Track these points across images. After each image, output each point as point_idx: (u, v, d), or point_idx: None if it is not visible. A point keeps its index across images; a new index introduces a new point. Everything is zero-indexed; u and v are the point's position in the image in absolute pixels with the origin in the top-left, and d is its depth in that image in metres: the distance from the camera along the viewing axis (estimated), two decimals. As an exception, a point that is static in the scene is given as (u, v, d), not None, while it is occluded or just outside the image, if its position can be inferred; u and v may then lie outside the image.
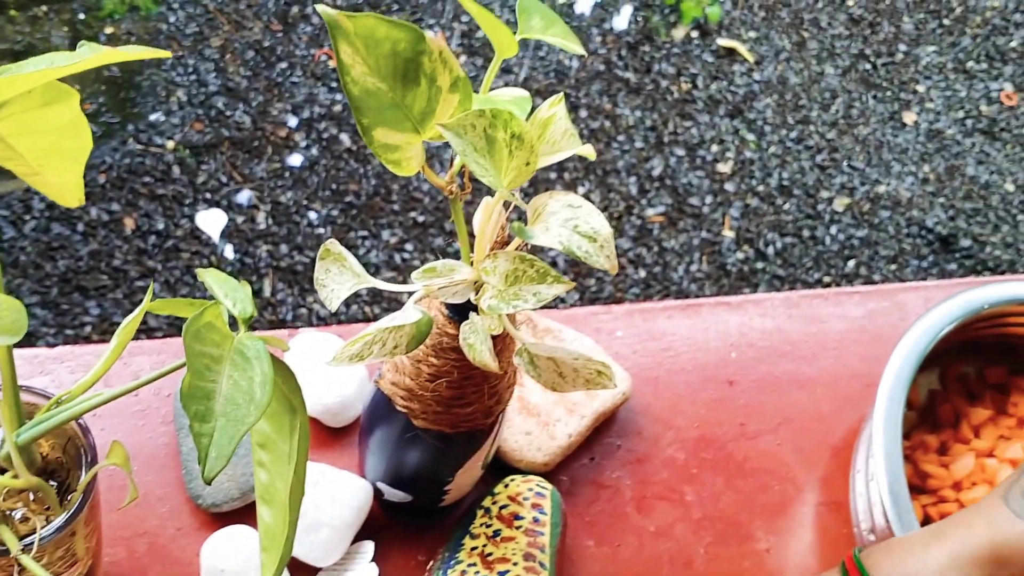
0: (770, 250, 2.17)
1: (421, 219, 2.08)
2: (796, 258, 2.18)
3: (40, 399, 0.57)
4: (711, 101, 2.36)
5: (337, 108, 2.15)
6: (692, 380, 0.89)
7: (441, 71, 0.53)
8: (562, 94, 0.62)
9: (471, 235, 0.62)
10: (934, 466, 0.85)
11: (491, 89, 0.61)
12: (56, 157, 0.62)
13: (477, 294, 0.60)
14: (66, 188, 0.64)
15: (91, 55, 0.56)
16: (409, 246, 2.05)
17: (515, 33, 0.60)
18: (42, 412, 0.55)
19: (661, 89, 2.35)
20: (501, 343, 0.64)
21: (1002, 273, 2.21)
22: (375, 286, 0.62)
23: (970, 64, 2.56)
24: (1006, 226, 2.29)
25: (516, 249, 0.59)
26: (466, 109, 0.54)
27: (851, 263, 2.19)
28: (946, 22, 2.62)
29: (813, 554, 0.83)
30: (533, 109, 0.61)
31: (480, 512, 0.77)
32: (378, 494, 0.78)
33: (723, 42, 2.46)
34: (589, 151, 0.60)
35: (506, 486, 0.79)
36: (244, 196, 2.02)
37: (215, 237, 1.96)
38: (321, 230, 2.03)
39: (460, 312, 0.63)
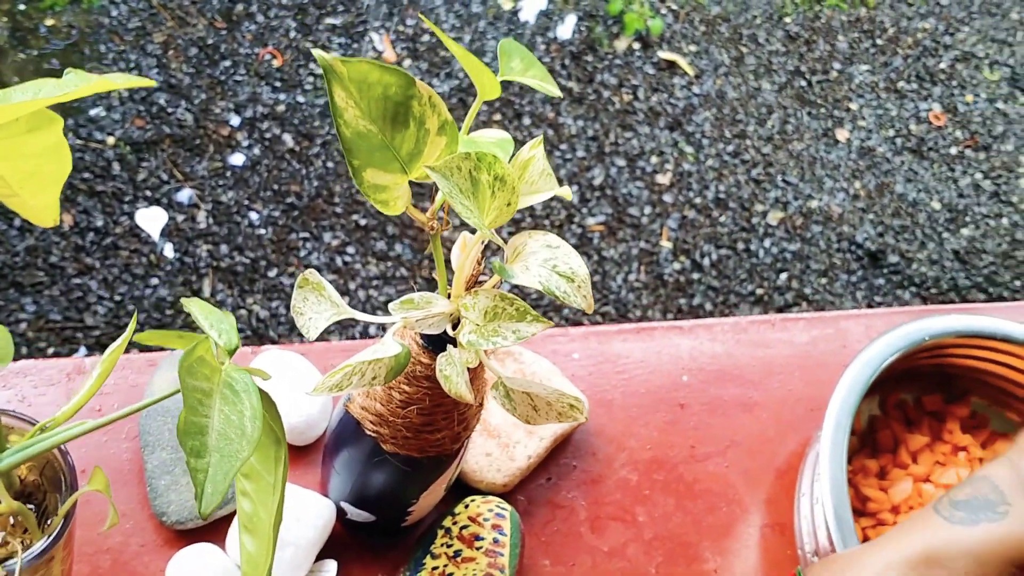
0: (706, 261, 2.22)
1: (363, 222, 2.09)
2: (731, 270, 2.23)
3: (22, 424, 0.57)
4: (651, 113, 2.40)
5: (280, 108, 2.15)
6: (645, 403, 0.92)
7: (430, 114, 0.55)
8: (541, 136, 0.63)
9: (448, 268, 0.64)
10: (874, 490, 0.88)
11: (469, 130, 0.63)
12: (36, 180, 0.62)
13: (453, 326, 0.62)
14: (42, 209, 0.64)
15: (80, 85, 0.57)
16: (351, 249, 2.05)
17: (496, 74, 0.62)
18: (28, 438, 0.55)
19: (603, 99, 2.39)
20: (473, 373, 0.66)
21: (927, 290, 2.28)
22: (354, 317, 0.64)
23: (901, 84, 2.63)
24: (932, 243, 2.37)
25: (494, 286, 0.61)
26: (452, 151, 0.56)
27: (783, 276, 2.25)
28: (879, 42, 2.70)
29: (758, 575, 0.86)
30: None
31: (441, 532, 0.79)
32: (341, 513, 0.79)
33: (664, 55, 2.50)
34: (566, 192, 0.62)
35: (466, 506, 0.80)
36: (185, 194, 2.00)
37: (155, 235, 1.94)
38: (262, 231, 2.02)
39: (434, 342, 0.65)
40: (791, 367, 0.96)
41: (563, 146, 2.28)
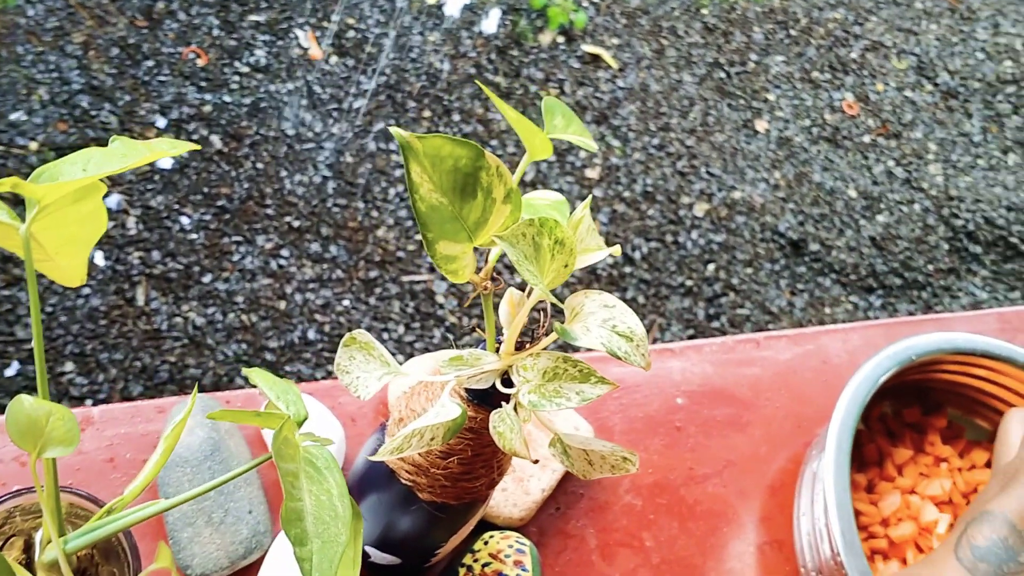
0: (637, 255, 2.25)
1: (296, 224, 2.06)
2: (661, 262, 2.27)
3: (87, 503, 0.56)
4: (578, 107, 2.42)
5: (207, 109, 2.10)
6: (643, 427, 0.94)
7: (497, 184, 0.55)
8: (590, 197, 0.64)
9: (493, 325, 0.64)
10: (864, 504, 0.92)
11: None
12: (73, 245, 0.61)
13: (502, 381, 0.63)
14: (72, 270, 0.63)
15: (129, 158, 0.56)
16: (285, 252, 2.03)
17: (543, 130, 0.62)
18: (94, 520, 0.54)
19: (530, 94, 2.39)
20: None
21: (847, 276, 2.36)
22: (408, 375, 0.63)
23: (815, 74, 2.71)
24: (849, 231, 2.45)
25: (546, 347, 0.61)
26: (516, 218, 0.57)
27: (711, 267, 2.30)
28: (792, 32, 2.76)
29: (761, 591, 0.89)
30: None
31: (463, 570, 0.80)
32: (364, 556, 0.79)
33: (588, 48, 2.52)
34: (616, 250, 0.63)
35: (486, 543, 0.81)
36: (113, 200, 1.95)
37: (84, 244, 1.88)
38: (194, 235, 1.98)
39: (479, 395, 0.65)
40: (777, 385, 0.99)
41: (493, 142, 2.28)
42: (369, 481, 0.74)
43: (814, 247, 2.39)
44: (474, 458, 0.68)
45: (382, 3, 2.40)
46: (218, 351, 1.87)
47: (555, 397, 0.58)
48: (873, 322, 1.04)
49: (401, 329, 1.99)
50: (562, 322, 0.59)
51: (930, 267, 2.43)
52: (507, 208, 0.56)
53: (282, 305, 1.96)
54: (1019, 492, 0.64)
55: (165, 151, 0.58)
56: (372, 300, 2.01)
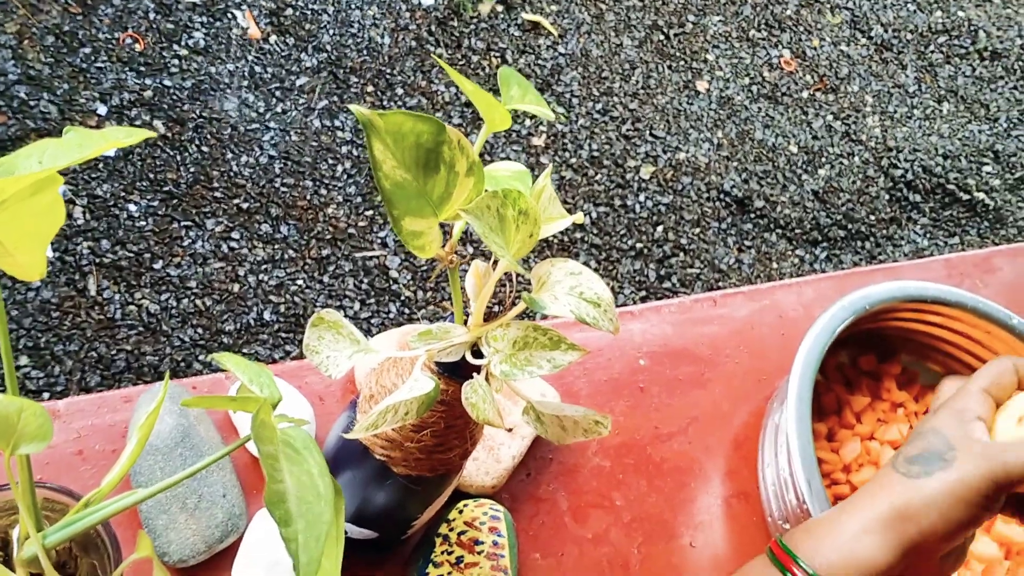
0: (586, 220, 2.27)
1: (245, 205, 2.04)
2: (610, 226, 2.28)
3: (63, 498, 0.56)
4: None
5: (148, 94, 2.07)
6: (608, 389, 0.95)
7: (459, 157, 0.56)
8: (551, 166, 0.65)
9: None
10: (826, 452, 0.94)
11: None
12: (31, 239, 0.60)
13: (472, 352, 0.64)
14: (31, 265, 0.63)
15: (85, 148, 0.56)
16: (236, 234, 2.01)
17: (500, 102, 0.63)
18: (72, 513, 0.54)
19: (473, 64, 2.39)
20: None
21: (792, 231, 2.39)
22: (378, 353, 0.64)
23: (752, 32, 2.73)
24: (792, 186, 2.48)
25: (517, 317, 0.62)
26: (479, 191, 0.57)
27: (660, 228, 2.32)
28: (728, -8, 2.78)
29: (731, 543, 0.91)
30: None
31: (439, 540, 0.81)
32: (340, 533, 0.79)
33: (527, 16, 2.52)
34: (579, 218, 0.64)
35: (460, 512, 0.82)
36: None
37: (29, 237, 1.86)
38: (143, 222, 1.96)
39: (450, 368, 0.66)
40: (735, 342, 1.01)
41: (438, 114, 2.28)
42: (343, 458, 0.74)
43: (759, 204, 2.42)
44: (447, 430, 0.69)
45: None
46: (174, 337, 1.86)
47: (527, 366, 0.59)
48: (825, 275, 1.06)
49: (357, 306, 1.99)
50: (529, 292, 0.60)
51: (872, 217, 2.48)
52: (470, 181, 0.57)
53: (236, 288, 1.95)
54: (946, 413, 0.67)
55: (121, 140, 0.58)
56: (326, 278, 2.00)
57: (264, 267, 1.99)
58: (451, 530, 0.81)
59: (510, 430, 0.70)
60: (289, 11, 2.29)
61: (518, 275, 0.59)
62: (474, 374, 0.63)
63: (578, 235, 2.24)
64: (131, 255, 1.91)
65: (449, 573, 0.78)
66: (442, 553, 0.80)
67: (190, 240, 1.97)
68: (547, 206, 0.64)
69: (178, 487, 0.76)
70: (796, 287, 1.06)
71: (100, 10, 2.11)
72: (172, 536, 0.75)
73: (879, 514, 0.63)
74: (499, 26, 2.47)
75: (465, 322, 0.65)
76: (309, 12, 2.32)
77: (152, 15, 2.16)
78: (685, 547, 0.89)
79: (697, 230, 2.35)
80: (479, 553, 0.79)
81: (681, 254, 2.30)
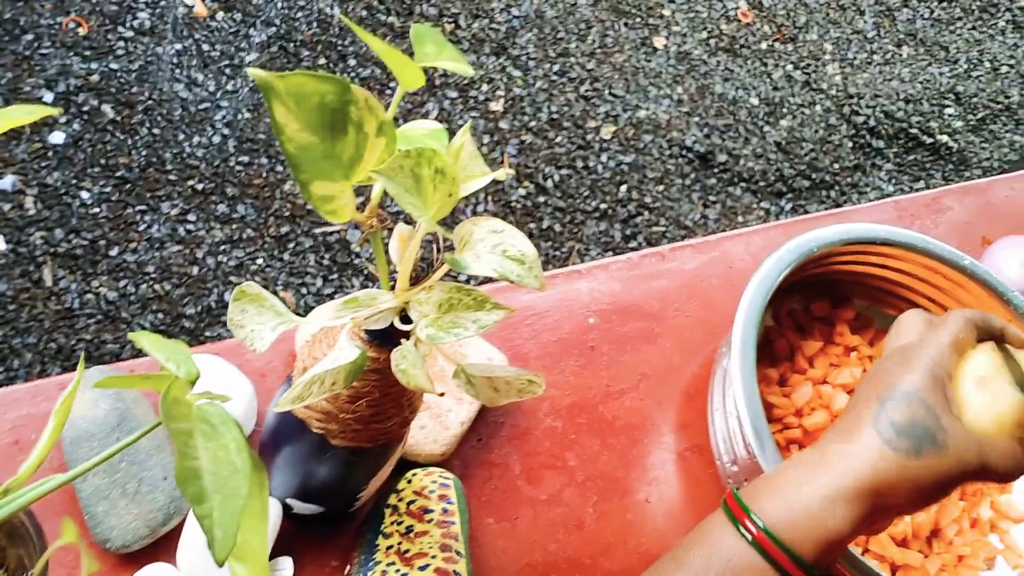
0: (549, 183, 2.25)
1: (200, 187, 2.02)
2: (574, 188, 2.27)
3: (-21, 489, 0.55)
4: (475, 40, 2.39)
5: (94, 78, 2.04)
6: (558, 350, 0.94)
7: (368, 117, 0.54)
8: (469, 123, 0.63)
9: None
10: (777, 397, 0.94)
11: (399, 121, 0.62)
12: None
13: (400, 319, 0.62)
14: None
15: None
16: (192, 216, 1.99)
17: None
18: (-12, 504, 0.53)
19: (425, 32, 2.36)
20: (420, 359, 0.66)
21: (756, 183, 2.39)
22: (299, 323, 0.63)
23: (708, -14, 2.70)
24: (755, 138, 2.47)
25: (442, 278, 0.61)
26: (392, 151, 0.56)
27: (623, 188, 2.30)
28: (682, -54, 2.76)
29: (686, 496, 0.90)
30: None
31: (388, 511, 0.80)
32: (286, 509, 0.78)
33: (479, -21, 2.48)
34: (502, 175, 0.62)
35: (409, 481, 0.81)
36: (7, 182, 1.89)
37: (-19, 229, 1.83)
38: (96, 209, 1.93)
39: (381, 336, 0.65)
40: (685, 295, 1.00)
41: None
42: (282, 434, 0.73)
43: (722, 158, 2.41)
44: (383, 399, 0.68)
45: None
46: (134, 324, 1.84)
47: (453, 328, 0.58)
48: (773, 223, 1.06)
49: (319, 282, 1.97)
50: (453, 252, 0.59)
51: (836, 166, 2.47)
52: (381, 141, 0.55)
53: (195, 270, 1.92)
54: (924, 372, 0.65)
55: (21, 118, 0.56)
56: (286, 256, 1.98)
57: (223, 248, 1.97)
58: (400, 500, 0.80)
59: (442, 394, 0.69)
60: (235, -14, 2.26)
61: (446, 237, 0.57)
62: (403, 340, 0.61)
63: (541, 199, 2.22)
64: (86, 243, 1.89)
65: (399, 543, 0.77)
66: (392, 524, 0.79)
67: (145, 225, 1.94)
68: (468, 164, 0.62)
69: (116, 473, 0.75)
70: (745, 237, 1.05)
71: (40, -5, 2.08)
72: (113, 522, 0.74)
73: (859, 485, 0.61)
74: (451, -9, 2.44)
75: (392, 288, 0.63)
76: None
77: (94, -3, 2.12)
78: (640, 503, 0.89)
79: (661, 187, 2.34)
80: (429, 521, 0.78)
81: (646, 213, 2.29)
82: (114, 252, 1.90)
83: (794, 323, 0.99)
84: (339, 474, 0.73)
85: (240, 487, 0.48)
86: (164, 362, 0.55)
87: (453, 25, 2.39)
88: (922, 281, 0.95)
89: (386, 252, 0.64)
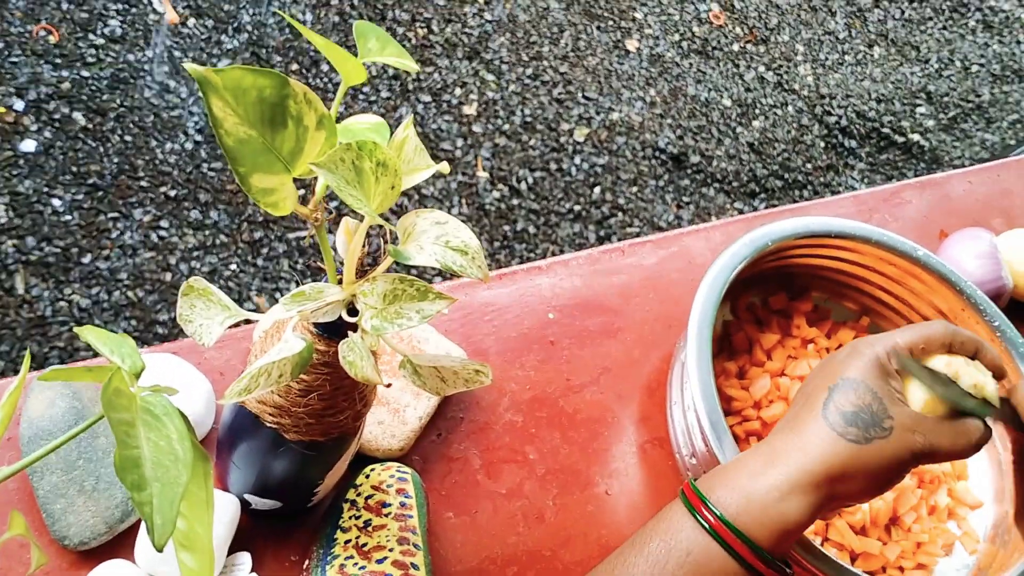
0: (523, 186, 2.26)
1: (173, 193, 2.02)
2: (548, 191, 2.28)
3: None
4: (448, 44, 2.40)
5: (65, 86, 2.04)
6: (518, 345, 0.95)
7: (307, 111, 0.55)
8: (411, 116, 0.64)
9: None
10: (736, 390, 0.95)
11: (338, 116, 0.63)
12: None
13: (348, 311, 0.63)
14: None
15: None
16: (164, 223, 1.99)
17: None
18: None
19: (398, 36, 2.37)
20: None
21: (729, 184, 2.40)
22: (249, 317, 0.63)
23: (679, -12, 2.72)
24: (728, 139, 2.48)
25: (386, 269, 0.62)
26: (332, 144, 0.56)
27: (597, 190, 2.31)
28: (653, -51, 2.77)
29: (646, 488, 0.91)
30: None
31: (347, 505, 0.80)
32: (245, 505, 0.79)
33: (451, -16, 2.49)
34: (444, 168, 0.63)
35: (367, 476, 0.82)
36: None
37: (-48, 238, 1.83)
38: (68, 216, 1.93)
39: (329, 329, 0.65)
40: (645, 289, 1.01)
41: (366, 88, 2.26)
42: (237, 430, 0.74)
43: (695, 159, 2.42)
44: (334, 392, 0.68)
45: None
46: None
47: (397, 318, 0.58)
48: (733, 219, 1.07)
49: (293, 287, 1.98)
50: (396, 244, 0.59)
51: (809, 166, 2.49)
52: (321, 135, 0.56)
53: (168, 277, 1.92)
54: (870, 361, 0.67)
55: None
56: (260, 261, 1.99)
57: (196, 254, 1.97)
58: (359, 495, 0.81)
59: (389, 385, 0.69)
60: (207, -6, 2.26)
61: (391, 229, 0.58)
62: (350, 332, 0.62)
63: (515, 202, 2.23)
64: (58, 250, 1.89)
65: (357, 537, 0.78)
66: (350, 518, 0.79)
67: (118, 232, 1.94)
68: (412, 157, 0.63)
69: (74, 470, 0.75)
70: (705, 232, 1.06)
71: (10, 3, 2.07)
72: (71, 519, 0.74)
73: (812, 474, 0.62)
74: (423, -4, 2.45)
75: (340, 282, 0.64)
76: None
77: (65, 5, 2.12)
78: (600, 495, 0.90)
79: (635, 189, 2.35)
80: (387, 515, 0.79)
81: (620, 214, 2.30)
82: (87, 259, 1.89)
83: (752, 316, 1.00)
84: (295, 469, 0.74)
85: (181, 475, 0.49)
86: (109, 355, 0.55)
87: (426, 30, 2.40)
88: (877, 272, 0.96)
89: (334, 246, 0.65)
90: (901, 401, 0.65)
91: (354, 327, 0.63)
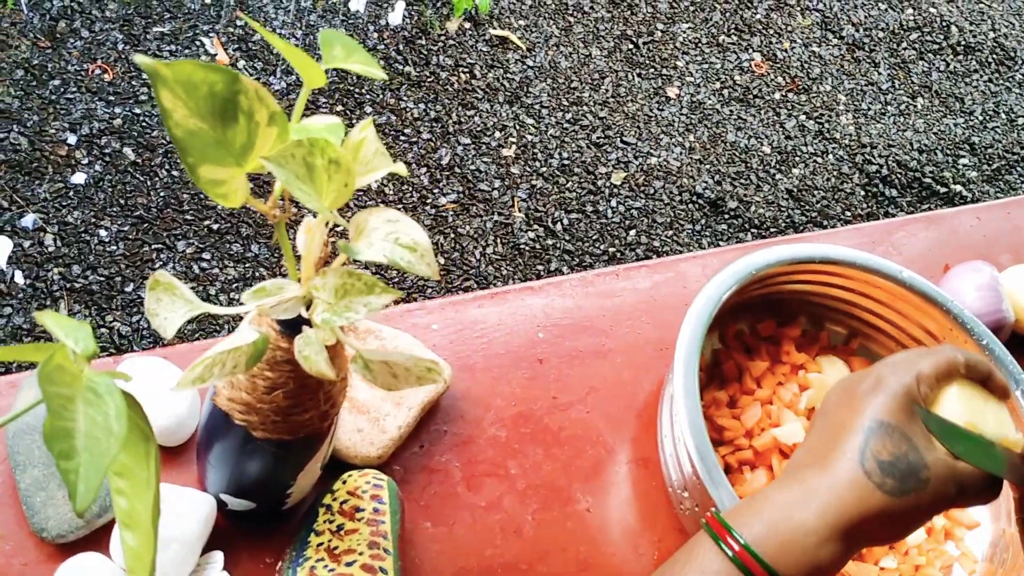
0: (558, 227, 2.28)
1: (215, 227, 2.08)
2: (583, 232, 2.30)
3: None
4: (490, 89, 2.45)
5: (117, 122, 2.11)
6: (506, 362, 0.96)
7: (258, 107, 0.57)
8: (371, 118, 0.67)
9: (295, 255, 0.66)
10: (727, 419, 0.95)
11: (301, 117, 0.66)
12: None
13: (308, 309, 0.65)
14: None
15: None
16: (207, 255, 2.04)
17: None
18: None
19: (441, 81, 2.42)
20: (332, 351, 0.69)
21: (767, 230, 2.40)
22: (208, 311, 0.66)
23: (722, 38, 2.74)
24: (766, 186, 2.49)
25: (343, 264, 0.64)
26: (284, 141, 0.59)
27: (632, 232, 2.33)
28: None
29: (629, 507, 0.91)
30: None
31: (322, 510, 0.82)
32: (221, 505, 0.81)
33: (495, 32, 2.55)
34: (401, 169, 0.65)
35: (344, 482, 0.83)
36: (28, 219, 1.96)
37: (1, 264, 1.90)
38: (113, 247, 1.99)
39: (291, 326, 0.67)
40: (638, 312, 1.02)
41: (408, 130, 2.31)
42: (212, 430, 0.76)
43: (732, 204, 2.42)
44: (299, 390, 0.70)
45: (286, 4, 2.42)
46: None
47: (345, 312, 0.60)
48: (731, 247, 1.07)
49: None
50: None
51: (848, 213, 2.48)
52: (273, 131, 0.58)
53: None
54: (898, 400, 0.65)
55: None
56: (294, 294, 2.03)
57: (235, 286, 2.02)
58: (334, 500, 0.82)
59: (342, 379, 0.71)
60: (257, 36, 2.34)
61: (343, 226, 0.61)
62: (305, 328, 0.64)
63: (550, 242, 2.25)
64: (102, 279, 1.95)
65: (329, 540, 0.79)
66: (324, 522, 0.81)
67: (161, 263, 2.00)
68: (371, 159, 0.65)
69: (54, 465, 0.78)
70: (701, 258, 1.07)
71: (69, 43, 2.17)
72: (50, 512, 0.77)
73: (849, 522, 0.61)
74: (467, 43, 2.51)
75: (300, 279, 0.66)
76: (277, 37, 2.36)
77: (121, 46, 2.21)
78: (581, 512, 0.90)
79: (670, 232, 2.36)
80: (359, 520, 0.80)
81: (654, 256, 2.31)
82: (129, 288, 1.95)
83: (742, 344, 1.01)
84: (265, 469, 0.76)
85: (111, 448, 0.51)
86: (63, 337, 0.58)
87: (469, 75, 2.45)
88: (864, 296, 0.96)
89: (294, 244, 0.67)
90: (934, 445, 0.64)
91: (311, 323, 0.65)
